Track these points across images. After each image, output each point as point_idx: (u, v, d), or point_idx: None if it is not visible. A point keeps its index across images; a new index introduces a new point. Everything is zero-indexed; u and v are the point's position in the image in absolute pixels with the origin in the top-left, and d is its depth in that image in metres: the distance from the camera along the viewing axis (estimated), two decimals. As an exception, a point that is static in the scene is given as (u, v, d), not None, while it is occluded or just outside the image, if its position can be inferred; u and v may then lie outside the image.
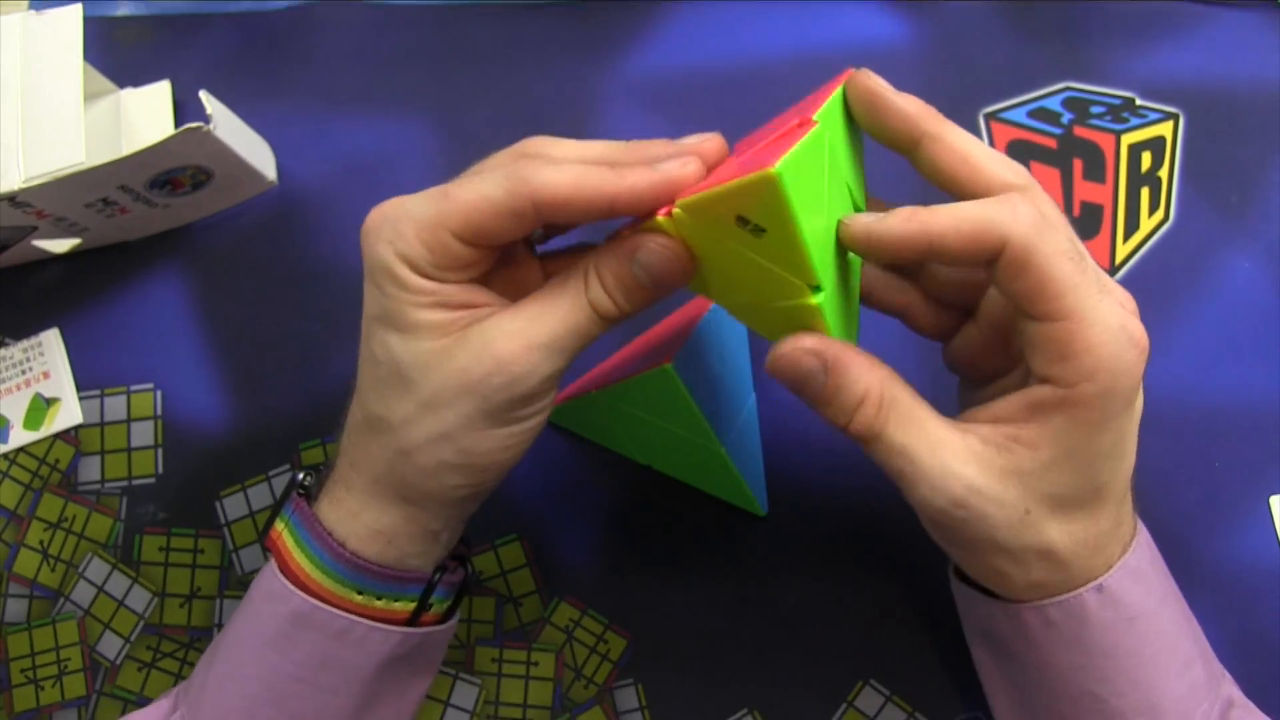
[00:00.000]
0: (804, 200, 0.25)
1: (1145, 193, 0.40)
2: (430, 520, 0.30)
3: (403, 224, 0.27)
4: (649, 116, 0.42)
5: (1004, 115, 0.41)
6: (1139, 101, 0.41)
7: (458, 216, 0.26)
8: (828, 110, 0.28)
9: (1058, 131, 0.41)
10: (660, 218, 0.27)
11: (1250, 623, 0.37)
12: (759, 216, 0.25)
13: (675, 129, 0.42)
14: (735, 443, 0.36)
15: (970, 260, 0.26)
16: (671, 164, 0.26)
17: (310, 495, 0.32)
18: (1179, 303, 0.39)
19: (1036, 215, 0.25)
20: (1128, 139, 0.41)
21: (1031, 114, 0.41)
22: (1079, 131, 0.41)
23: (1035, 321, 0.26)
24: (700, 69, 0.42)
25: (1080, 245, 0.27)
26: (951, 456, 0.26)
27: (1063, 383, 0.26)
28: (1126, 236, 0.40)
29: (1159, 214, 0.40)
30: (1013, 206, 0.25)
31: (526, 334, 0.27)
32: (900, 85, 0.42)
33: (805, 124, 0.26)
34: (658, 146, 0.28)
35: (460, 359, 0.27)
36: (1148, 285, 0.39)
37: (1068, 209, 0.40)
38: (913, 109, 0.28)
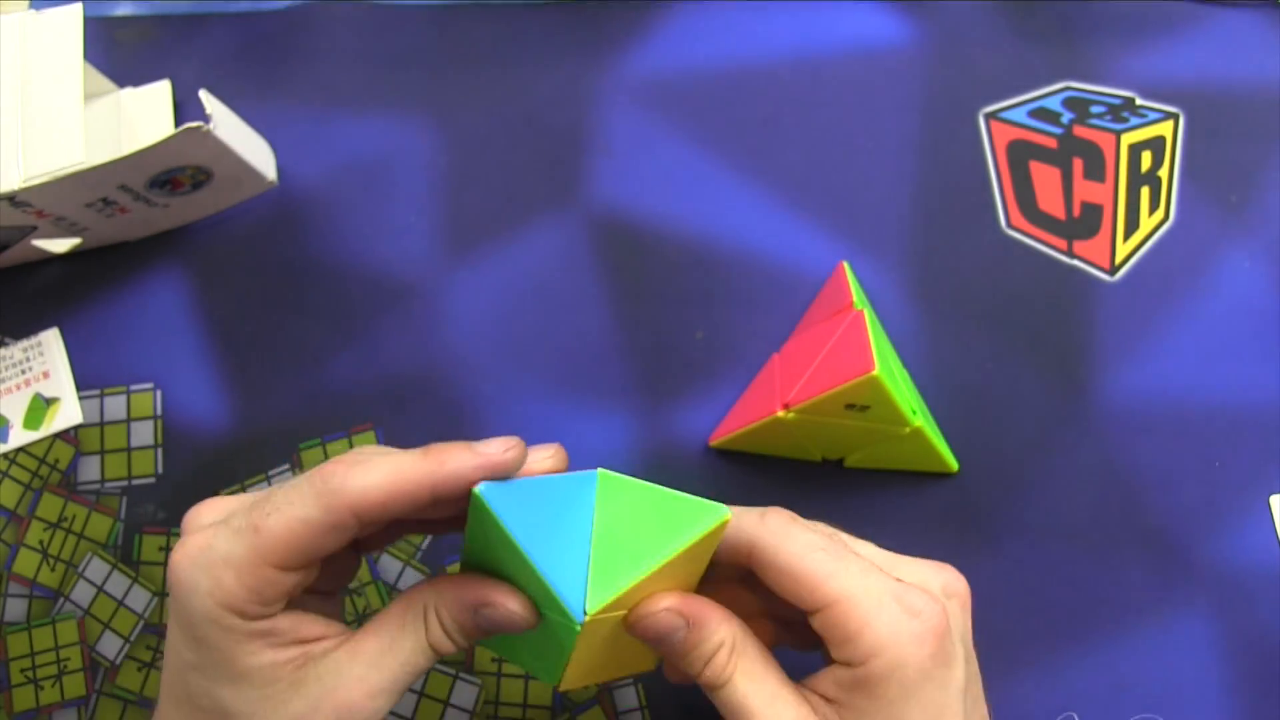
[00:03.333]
0: (890, 376, 0.32)
1: (1145, 192, 0.40)
2: None
3: (219, 570, 0.25)
4: (649, 116, 0.42)
5: (1004, 115, 0.41)
6: (1139, 101, 0.41)
7: (277, 549, 0.25)
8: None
9: (1058, 131, 0.41)
10: (780, 412, 0.34)
11: (1250, 623, 0.37)
12: (864, 400, 0.33)
13: (675, 129, 0.42)
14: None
15: (742, 569, 0.29)
16: (494, 444, 0.27)
17: None
18: (1179, 302, 0.39)
19: (783, 523, 0.28)
20: (1128, 139, 0.41)
21: (1031, 114, 0.41)
22: (1079, 131, 0.41)
23: (814, 614, 0.27)
24: (700, 69, 0.42)
25: (858, 550, 0.29)
26: (785, 712, 0.27)
27: (854, 663, 0.27)
28: (1126, 236, 0.40)
29: (1159, 213, 0.40)
30: (760, 516, 0.28)
31: (368, 680, 0.26)
32: (900, 85, 0.42)
33: (846, 310, 0.35)
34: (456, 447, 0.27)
35: (297, 706, 0.26)
36: (1148, 285, 0.39)
37: (1068, 209, 0.40)
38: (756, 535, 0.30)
